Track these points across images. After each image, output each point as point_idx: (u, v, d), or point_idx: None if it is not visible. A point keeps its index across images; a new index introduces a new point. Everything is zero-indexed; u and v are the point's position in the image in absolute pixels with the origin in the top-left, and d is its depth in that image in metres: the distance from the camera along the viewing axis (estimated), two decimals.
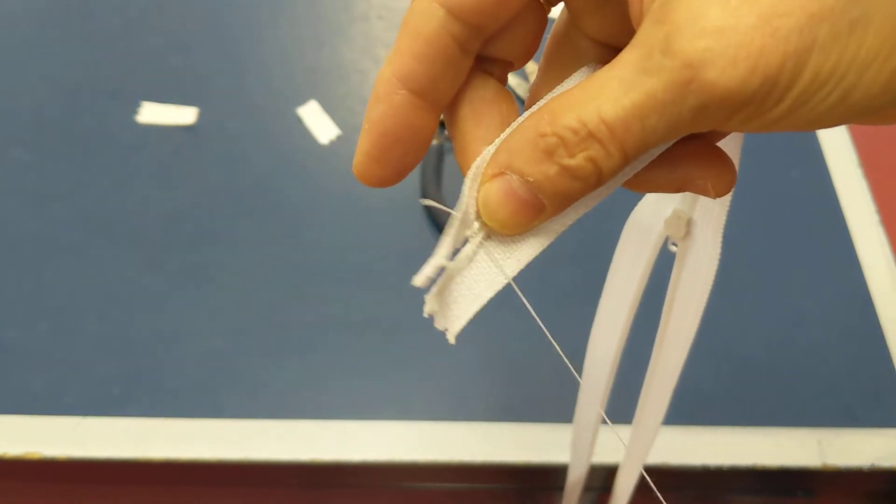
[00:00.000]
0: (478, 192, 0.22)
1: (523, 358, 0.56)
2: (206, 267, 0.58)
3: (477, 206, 0.22)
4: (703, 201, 0.29)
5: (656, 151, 0.21)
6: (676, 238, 0.31)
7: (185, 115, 0.66)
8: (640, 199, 0.31)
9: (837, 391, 0.57)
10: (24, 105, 0.65)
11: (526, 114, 0.21)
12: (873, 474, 0.53)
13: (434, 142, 0.66)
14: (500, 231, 0.22)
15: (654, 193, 0.30)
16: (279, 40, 0.73)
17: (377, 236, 0.61)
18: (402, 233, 0.61)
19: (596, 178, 0.20)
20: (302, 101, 0.68)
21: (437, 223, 0.60)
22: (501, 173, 0.21)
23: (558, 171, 0.20)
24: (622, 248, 0.33)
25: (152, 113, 0.66)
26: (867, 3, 0.16)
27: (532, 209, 0.21)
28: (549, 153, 0.20)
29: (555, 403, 0.53)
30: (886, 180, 0.74)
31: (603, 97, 0.18)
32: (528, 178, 0.20)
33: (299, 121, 0.67)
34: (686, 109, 0.17)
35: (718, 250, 0.30)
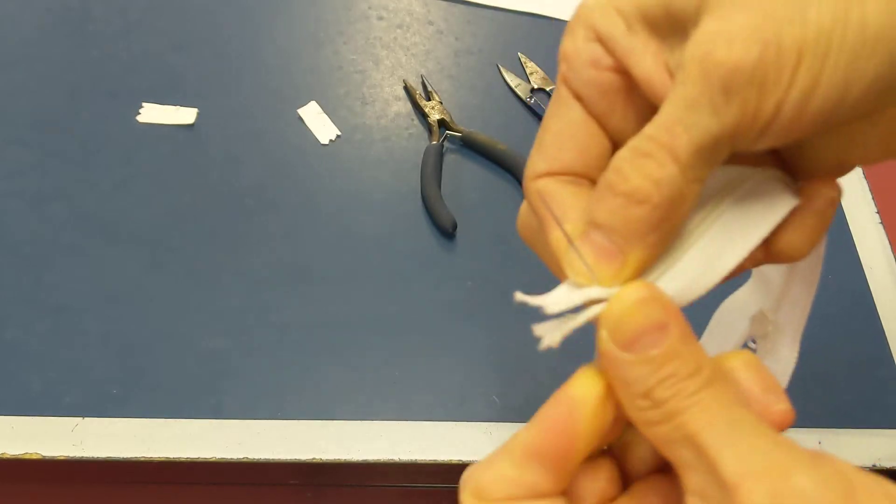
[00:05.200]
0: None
1: (523, 358, 0.56)
2: (206, 267, 0.58)
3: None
4: (787, 305, 0.31)
5: (714, 156, 0.20)
6: (759, 336, 0.32)
7: (185, 115, 0.66)
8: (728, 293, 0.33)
9: (837, 391, 0.57)
10: (24, 105, 0.65)
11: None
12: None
13: (433, 141, 0.66)
14: (595, 283, 0.22)
15: (743, 291, 0.32)
16: (279, 41, 0.73)
17: (377, 236, 0.61)
18: (403, 233, 0.61)
19: (657, 196, 0.20)
20: (302, 101, 0.68)
21: (438, 224, 0.60)
22: (584, 232, 0.22)
23: (620, 202, 0.20)
24: (708, 337, 0.34)
25: (152, 113, 0.66)
26: None
27: (610, 254, 0.21)
28: (610, 188, 0.21)
29: None
30: (886, 180, 0.74)
31: (647, 125, 0.20)
32: (598, 221, 0.21)
33: (299, 121, 0.67)
34: (716, 93, 0.19)
35: (796, 354, 0.31)
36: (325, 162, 0.65)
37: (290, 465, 0.50)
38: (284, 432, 0.51)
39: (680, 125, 0.19)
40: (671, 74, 0.21)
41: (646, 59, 0.22)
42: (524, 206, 0.27)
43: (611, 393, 0.21)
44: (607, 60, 0.23)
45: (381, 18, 0.76)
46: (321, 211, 0.62)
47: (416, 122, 0.69)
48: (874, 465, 0.54)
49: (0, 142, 0.63)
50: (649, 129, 0.20)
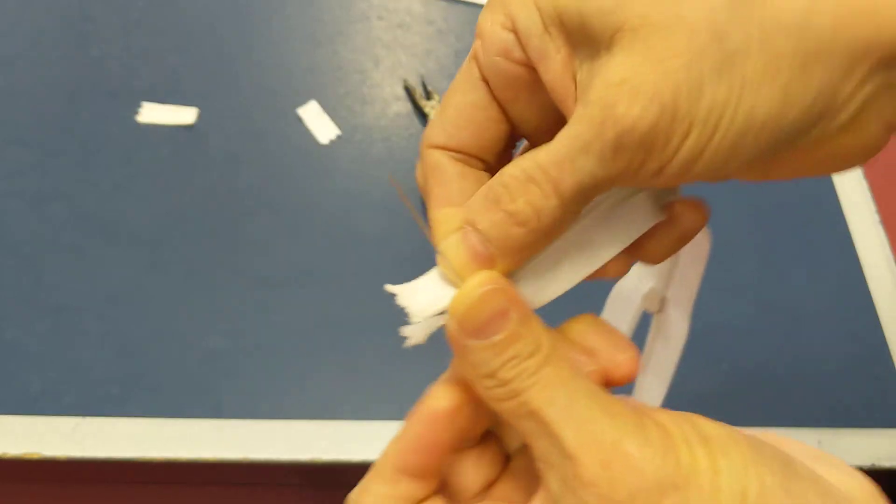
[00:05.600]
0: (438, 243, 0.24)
1: None
2: (207, 267, 0.58)
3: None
4: (677, 281, 0.34)
5: (594, 193, 0.22)
6: (652, 311, 0.35)
7: (185, 115, 0.66)
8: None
9: (837, 391, 0.57)
10: (24, 105, 0.65)
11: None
12: (873, 474, 0.53)
13: None
14: (460, 280, 0.23)
15: (634, 271, 0.34)
16: (279, 40, 0.73)
17: (377, 236, 0.61)
18: (403, 233, 0.61)
19: (536, 222, 0.22)
20: (302, 101, 0.68)
21: None
22: (460, 227, 0.23)
23: (502, 217, 0.22)
24: (607, 315, 0.37)
25: (152, 113, 0.66)
26: (739, 36, 0.19)
27: (482, 258, 0.23)
28: (496, 201, 0.22)
29: None
30: (886, 180, 0.74)
31: (541, 150, 0.21)
32: (478, 227, 0.23)
33: (299, 121, 0.67)
34: (607, 145, 0.20)
35: (687, 326, 0.34)
36: (325, 162, 0.65)
37: (290, 465, 0.51)
38: (284, 432, 0.51)
39: (569, 163, 0.21)
40: (576, 86, 0.22)
41: (555, 64, 0.23)
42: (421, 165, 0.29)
43: (466, 399, 0.23)
44: (518, 54, 0.23)
45: (381, 18, 0.76)
46: (321, 211, 0.62)
47: (416, 122, 0.69)
48: (873, 465, 0.54)
49: (0, 142, 0.63)
50: (542, 155, 0.21)
